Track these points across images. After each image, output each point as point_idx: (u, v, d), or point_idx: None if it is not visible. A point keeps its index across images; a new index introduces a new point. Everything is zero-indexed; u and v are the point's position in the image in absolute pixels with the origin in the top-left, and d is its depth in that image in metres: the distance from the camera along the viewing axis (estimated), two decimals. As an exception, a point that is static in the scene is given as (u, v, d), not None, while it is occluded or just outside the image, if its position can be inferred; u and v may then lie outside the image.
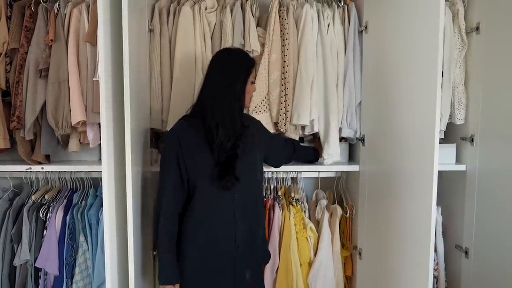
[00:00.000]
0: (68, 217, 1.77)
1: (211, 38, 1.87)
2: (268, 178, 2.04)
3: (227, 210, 1.45)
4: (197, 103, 1.48)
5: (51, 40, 1.65)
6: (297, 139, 1.93)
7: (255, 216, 1.56)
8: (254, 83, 1.55)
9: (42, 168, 1.77)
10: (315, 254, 1.93)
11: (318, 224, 1.99)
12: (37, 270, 1.79)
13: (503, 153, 1.61)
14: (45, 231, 1.77)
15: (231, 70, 1.44)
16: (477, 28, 1.73)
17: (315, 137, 1.99)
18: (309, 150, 1.94)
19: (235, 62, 1.46)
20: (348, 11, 1.90)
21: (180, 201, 1.46)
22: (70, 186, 1.91)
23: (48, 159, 1.81)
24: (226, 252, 1.47)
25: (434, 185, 1.32)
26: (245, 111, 1.84)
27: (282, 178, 2.03)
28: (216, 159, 1.41)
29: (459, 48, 1.79)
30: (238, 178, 1.42)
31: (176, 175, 1.42)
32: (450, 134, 1.90)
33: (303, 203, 1.99)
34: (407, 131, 1.50)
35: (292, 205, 1.94)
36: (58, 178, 1.88)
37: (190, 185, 1.44)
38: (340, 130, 1.90)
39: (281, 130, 1.85)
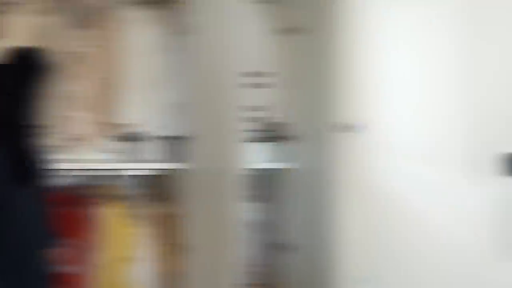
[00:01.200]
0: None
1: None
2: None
3: None
4: None
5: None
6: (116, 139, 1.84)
7: None
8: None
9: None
10: (138, 251, 1.80)
11: (142, 221, 1.85)
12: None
13: (320, 152, 1.70)
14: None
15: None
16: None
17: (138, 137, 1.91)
18: None
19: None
20: (173, 12, 1.87)
21: None
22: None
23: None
24: None
25: (240, 183, 1.50)
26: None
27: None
28: None
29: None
30: None
31: None
32: (277, 134, 1.95)
33: (127, 201, 1.84)
34: (223, 129, 1.58)
35: (115, 202, 1.82)
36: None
37: None
38: (158, 129, 1.87)
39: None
